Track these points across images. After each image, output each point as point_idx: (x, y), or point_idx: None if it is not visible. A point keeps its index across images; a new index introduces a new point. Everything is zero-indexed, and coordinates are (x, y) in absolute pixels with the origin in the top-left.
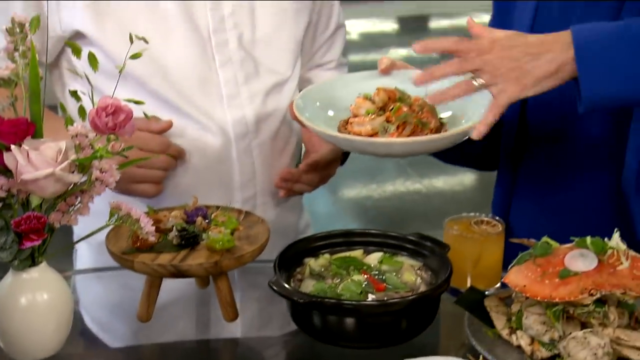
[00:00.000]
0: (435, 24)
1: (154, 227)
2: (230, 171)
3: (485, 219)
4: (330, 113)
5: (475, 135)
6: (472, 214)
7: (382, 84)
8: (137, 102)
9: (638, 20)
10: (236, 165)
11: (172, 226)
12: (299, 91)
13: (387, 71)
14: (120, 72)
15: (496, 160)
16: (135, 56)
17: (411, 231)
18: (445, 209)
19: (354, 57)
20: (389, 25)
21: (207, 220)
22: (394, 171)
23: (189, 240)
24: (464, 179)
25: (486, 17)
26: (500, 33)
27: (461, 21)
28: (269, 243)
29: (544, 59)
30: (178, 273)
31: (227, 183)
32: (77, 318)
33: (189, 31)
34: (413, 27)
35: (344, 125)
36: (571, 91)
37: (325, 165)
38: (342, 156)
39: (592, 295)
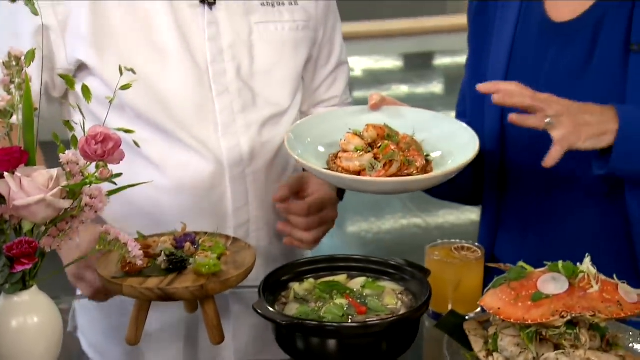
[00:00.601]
0: (439, 61)
1: (141, 252)
2: (223, 197)
3: (466, 245)
4: (321, 149)
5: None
6: (452, 240)
7: (372, 119)
8: (127, 131)
9: None
10: (229, 192)
11: (161, 251)
12: None
13: (377, 107)
14: (110, 102)
15: (482, 195)
16: (125, 87)
17: None
18: None
19: (357, 94)
20: (393, 62)
21: (195, 246)
22: (395, 205)
23: (177, 264)
24: (464, 213)
25: None
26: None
27: (464, 58)
28: (261, 270)
29: (599, 118)
30: (165, 296)
31: (219, 209)
32: (76, 343)
33: (187, 62)
34: (417, 63)
35: (333, 160)
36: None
37: (320, 207)
38: (338, 194)
39: (563, 317)
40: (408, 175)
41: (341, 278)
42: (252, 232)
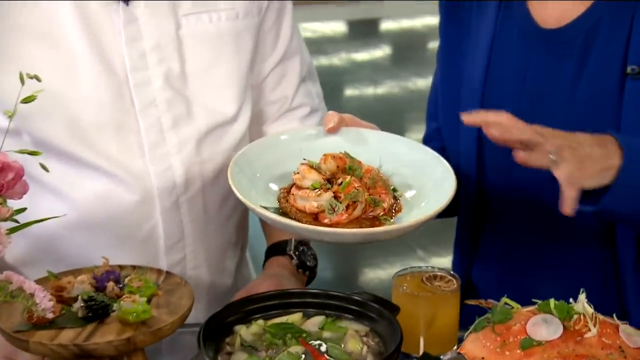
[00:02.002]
0: (385, 27)
1: (52, 302)
2: (152, 233)
3: (439, 273)
4: (273, 186)
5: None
6: (423, 267)
7: (330, 144)
8: (32, 153)
9: None
10: (160, 225)
11: (78, 295)
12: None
13: (335, 130)
14: (10, 117)
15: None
16: (28, 99)
17: None
18: None
19: None
20: (336, 29)
21: (119, 285)
22: (402, 250)
23: (97, 312)
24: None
25: (435, 20)
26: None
27: (411, 23)
28: (201, 313)
29: (602, 152)
30: (83, 354)
31: (148, 247)
32: None
33: (101, 71)
34: (362, 30)
35: (285, 197)
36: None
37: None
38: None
39: None
40: (374, 217)
41: (296, 318)
42: (189, 271)
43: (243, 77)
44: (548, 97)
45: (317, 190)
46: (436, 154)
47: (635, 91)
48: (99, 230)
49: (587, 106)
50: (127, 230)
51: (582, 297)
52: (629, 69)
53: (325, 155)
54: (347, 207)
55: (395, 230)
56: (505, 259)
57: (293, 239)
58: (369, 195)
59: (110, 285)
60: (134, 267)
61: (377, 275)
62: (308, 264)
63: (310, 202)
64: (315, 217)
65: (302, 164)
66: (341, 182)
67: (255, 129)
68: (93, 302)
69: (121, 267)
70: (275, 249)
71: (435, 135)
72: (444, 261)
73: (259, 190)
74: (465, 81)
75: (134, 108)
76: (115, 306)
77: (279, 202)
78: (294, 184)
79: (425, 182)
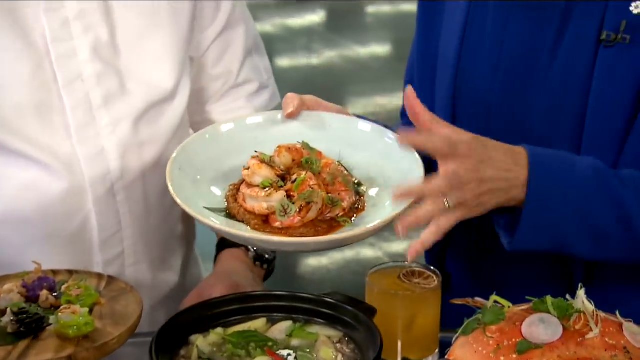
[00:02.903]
0: None
1: None
2: (85, 226)
3: (417, 269)
4: (218, 185)
5: (402, 234)
6: (399, 263)
7: (288, 131)
8: None
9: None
10: (93, 216)
11: (6, 308)
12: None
13: (294, 115)
14: None
15: None
16: None
17: None
18: None
19: None
20: None
21: (55, 294)
22: None
23: (31, 326)
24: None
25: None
26: (463, 137)
27: None
28: (148, 309)
29: (507, 192)
30: None
31: (80, 242)
32: None
33: (17, 44)
34: None
35: (234, 195)
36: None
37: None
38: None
39: None
40: (332, 219)
41: (259, 324)
42: (127, 268)
43: (181, 48)
44: (526, 65)
45: (267, 189)
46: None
47: (607, 59)
48: (25, 225)
49: (564, 75)
50: (56, 223)
51: (581, 293)
52: (603, 35)
53: (279, 147)
54: (301, 208)
55: (353, 237)
56: (480, 247)
57: None
58: (327, 193)
59: (44, 294)
60: (70, 271)
61: (319, 262)
62: (266, 256)
63: (259, 202)
64: (265, 220)
65: (253, 157)
66: (295, 180)
67: (197, 109)
68: (25, 315)
69: (55, 272)
70: (228, 241)
71: None
72: (396, 247)
73: (202, 191)
74: (441, 47)
75: (57, 84)
76: (51, 319)
77: (226, 201)
78: (243, 180)
79: (391, 174)
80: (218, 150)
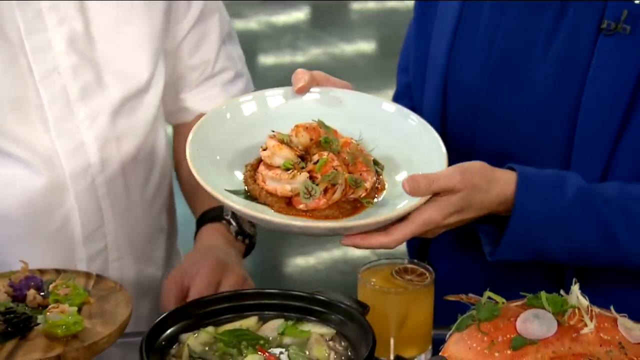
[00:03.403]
0: None
1: None
2: (67, 221)
3: (409, 266)
4: (238, 174)
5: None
6: (391, 259)
7: (302, 108)
8: None
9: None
10: (75, 212)
11: None
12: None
13: (304, 90)
14: None
15: None
16: None
17: None
18: None
19: None
20: None
21: (42, 293)
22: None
23: (18, 325)
24: None
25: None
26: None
27: None
28: (134, 312)
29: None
30: None
31: (62, 238)
32: None
33: None
34: None
35: (252, 176)
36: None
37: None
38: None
39: None
40: (355, 200)
41: (251, 322)
42: (111, 263)
43: (156, 39)
44: (520, 52)
45: (290, 170)
46: (423, 121)
47: (606, 48)
48: (6, 222)
49: (561, 63)
50: (38, 219)
51: (575, 288)
52: (604, 24)
53: (296, 126)
54: (326, 190)
55: (384, 221)
56: (464, 242)
57: None
58: (349, 174)
59: (32, 293)
60: (57, 270)
61: (307, 262)
62: (247, 230)
63: (283, 185)
64: (288, 202)
65: (271, 137)
66: (317, 161)
67: (172, 98)
68: (12, 315)
69: (42, 271)
70: (209, 216)
71: (406, 91)
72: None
73: (221, 171)
74: (432, 45)
75: (32, 78)
76: (39, 318)
77: (245, 183)
78: (260, 160)
79: (410, 155)
80: (231, 128)
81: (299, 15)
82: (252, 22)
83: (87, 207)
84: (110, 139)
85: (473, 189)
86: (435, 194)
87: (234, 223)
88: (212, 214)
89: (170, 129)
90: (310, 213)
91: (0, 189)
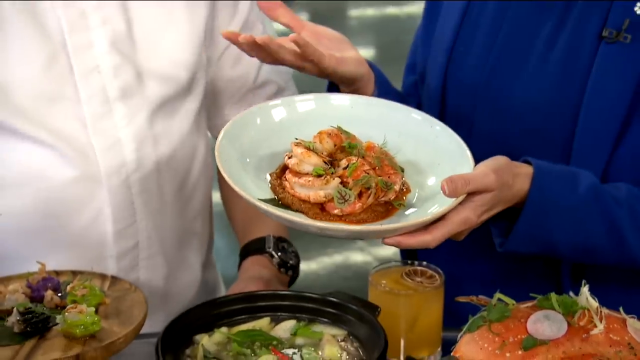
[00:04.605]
0: None
1: None
2: (99, 215)
3: (419, 268)
4: (263, 170)
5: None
6: (400, 262)
7: (317, 114)
8: None
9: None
10: (107, 207)
11: (12, 308)
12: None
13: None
14: None
15: None
16: None
17: None
18: None
19: None
20: None
21: (59, 294)
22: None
23: (37, 325)
24: None
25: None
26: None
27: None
28: (157, 314)
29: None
30: None
31: (94, 232)
32: None
33: (32, 34)
34: None
35: (280, 183)
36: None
37: None
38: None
39: None
40: (386, 203)
41: (264, 323)
42: (141, 261)
43: (197, 44)
44: (521, 52)
45: (322, 177)
46: (446, 127)
47: (607, 56)
48: (35, 213)
49: (561, 67)
50: (68, 212)
51: (585, 289)
52: (605, 32)
53: (320, 133)
54: (360, 194)
55: (425, 222)
56: (463, 243)
57: (272, 235)
58: (380, 178)
59: (49, 294)
60: (74, 272)
61: (309, 267)
62: (291, 262)
63: (315, 191)
64: (322, 207)
65: (296, 144)
66: (347, 166)
67: (216, 112)
68: (31, 315)
69: (58, 272)
70: (252, 248)
71: (413, 90)
72: (385, 251)
73: (252, 178)
74: (440, 25)
75: (73, 76)
76: (58, 318)
77: (274, 191)
78: (284, 167)
79: (435, 159)
80: (253, 134)
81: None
82: None
83: (120, 203)
84: (147, 138)
85: (504, 186)
86: (470, 194)
87: (276, 256)
88: (255, 246)
89: None
90: (345, 218)
91: (33, 178)
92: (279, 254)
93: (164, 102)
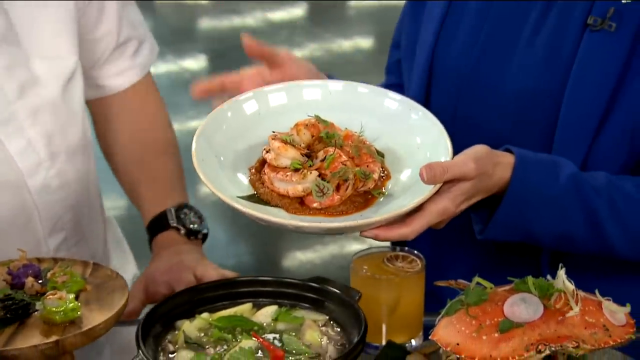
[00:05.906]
0: None
1: None
2: (29, 218)
3: (400, 253)
4: (242, 177)
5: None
6: (382, 248)
7: (292, 105)
8: None
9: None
10: (35, 209)
11: None
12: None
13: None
14: None
15: None
16: None
17: None
18: None
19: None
20: None
21: (40, 281)
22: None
23: (17, 312)
24: None
25: None
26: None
27: None
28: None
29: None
30: None
31: (29, 235)
32: None
33: None
34: None
35: (259, 178)
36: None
37: None
38: None
39: (539, 352)
40: (366, 192)
41: (245, 309)
42: (71, 248)
43: (72, 20)
44: (506, 37)
45: (300, 171)
46: (426, 111)
47: (591, 44)
48: None
49: (545, 53)
50: (2, 219)
51: (562, 272)
52: (590, 20)
53: (296, 124)
54: (338, 186)
55: (398, 215)
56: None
57: (172, 208)
58: (356, 167)
59: (30, 281)
60: (55, 259)
61: (305, 257)
62: (195, 227)
63: (294, 185)
64: (301, 202)
65: (273, 138)
66: (324, 158)
67: (84, 74)
68: (11, 302)
69: (40, 259)
70: (157, 225)
71: (395, 68)
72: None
73: (229, 176)
74: (427, 9)
75: None
76: (37, 305)
77: (253, 186)
78: (262, 161)
79: (413, 145)
80: (235, 128)
81: (296, 11)
82: (249, 19)
83: (46, 201)
84: (55, 131)
85: (483, 175)
86: (446, 183)
87: (182, 227)
88: (159, 223)
89: None
90: (325, 211)
91: None
92: (183, 223)
93: (61, 89)
